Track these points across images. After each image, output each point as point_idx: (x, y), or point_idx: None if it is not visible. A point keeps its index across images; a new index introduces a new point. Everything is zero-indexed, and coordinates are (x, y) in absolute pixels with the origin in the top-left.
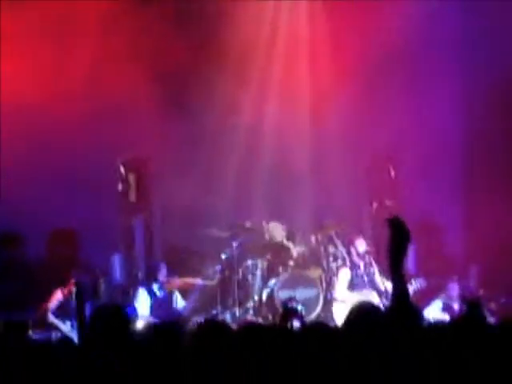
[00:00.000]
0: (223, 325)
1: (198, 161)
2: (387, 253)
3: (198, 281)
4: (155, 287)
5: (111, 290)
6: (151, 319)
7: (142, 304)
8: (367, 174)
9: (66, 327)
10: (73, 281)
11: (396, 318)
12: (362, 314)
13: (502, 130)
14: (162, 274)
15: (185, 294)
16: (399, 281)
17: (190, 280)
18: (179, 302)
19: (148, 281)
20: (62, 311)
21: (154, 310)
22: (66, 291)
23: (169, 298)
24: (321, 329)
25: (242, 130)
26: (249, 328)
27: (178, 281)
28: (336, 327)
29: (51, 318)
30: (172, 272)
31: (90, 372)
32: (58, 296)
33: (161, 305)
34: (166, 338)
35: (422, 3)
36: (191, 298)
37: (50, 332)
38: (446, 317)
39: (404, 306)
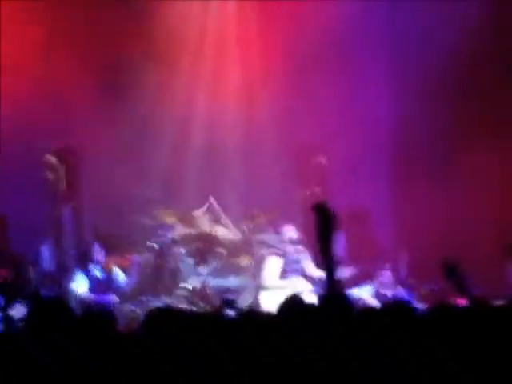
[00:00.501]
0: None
1: (128, 149)
2: (316, 239)
3: (135, 256)
4: (92, 267)
5: (41, 278)
6: (90, 298)
7: (80, 286)
8: (298, 161)
9: None
10: None
11: (328, 304)
12: (293, 304)
13: (431, 120)
14: (99, 253)
15: (123, 270)
16: (328, 267)
17: (126, 257)
18: (120, 278)
19: (83, 262)
20: None
21: (94, 290)
22: None
23: (108, 276)
24: (256, 317)
25: (174, 120)
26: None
27: (113, 258)
28: (270, 315)
29: None
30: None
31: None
32: None
33: (100, 284)
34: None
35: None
36: (132, 273)
37: None
38: (376, 303)
39: (334, 293)
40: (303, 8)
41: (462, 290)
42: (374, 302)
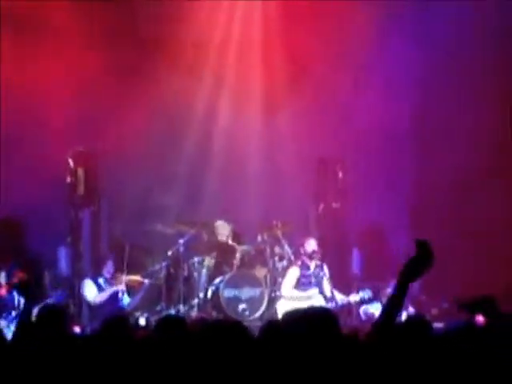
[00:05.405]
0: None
1: (148, 157)
2: (403, 268)
3: (146, 280)
4: (101, 280)
5: (56, 282)
6: (98, 300)
7: (90, 292)
8: (315, 175)
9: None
10: (17, 276)
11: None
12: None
13: (452, 136)
14: (108, 271)
15: (131, 291)
16: (398, 300)
17: (137, 278)
18: (124, 299)
19: (94, 273)
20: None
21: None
22: (7, 286)
23: (114, 293)
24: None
25: (194, 129)
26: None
27: (124, 278)
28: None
29: None
30: (118, 266)
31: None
32: None
33: (105, 299)
34: (115, 332)
35: (380, 5)
36: (137, 296)
37: None
38: None
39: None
40: (329, 19)
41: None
42: None
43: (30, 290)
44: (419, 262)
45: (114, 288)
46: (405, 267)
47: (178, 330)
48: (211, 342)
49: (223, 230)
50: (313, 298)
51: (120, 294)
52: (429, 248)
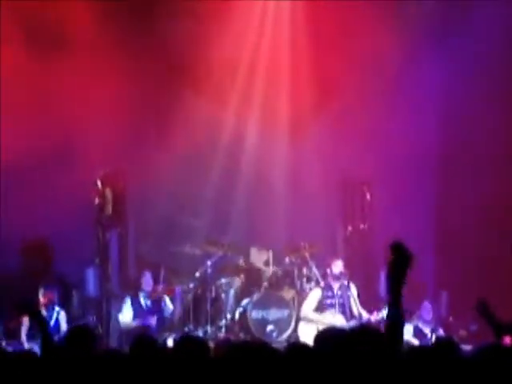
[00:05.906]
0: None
1: (175, 179)
2: (386, 277)
3: (176, 288)
4: (141, 296)
5: (84, 302)
6: (132, 324)
7: (125, 314)
8: (342, 197)
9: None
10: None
11: (386, 341)
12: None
13: (478, 160)
14: (147, 283)
15: (170, 298)
16: (395, 306)
17: (170, 287)
18: (168, 307)
19: (134, 290)
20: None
21: (140, 317)
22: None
23: (156, 305)
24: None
25: (221, 151)
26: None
27: (161, 288)
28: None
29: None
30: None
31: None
32: (26, 321)
33: (144, 311)
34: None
35: (409, 26)
36: (176, 304)
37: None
38: (416, 341)
39: (395, 333)
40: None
41: (493, 324)
42: (415, 342)
43: (40, 316)
44: (398, 264)
45: (149, 321)
46: (388, 275)
47: (196, 351)
48: (239, 364)
49: (257, 258)
50: (333, 319)
51: (163, 305)
52: (404, 248)
